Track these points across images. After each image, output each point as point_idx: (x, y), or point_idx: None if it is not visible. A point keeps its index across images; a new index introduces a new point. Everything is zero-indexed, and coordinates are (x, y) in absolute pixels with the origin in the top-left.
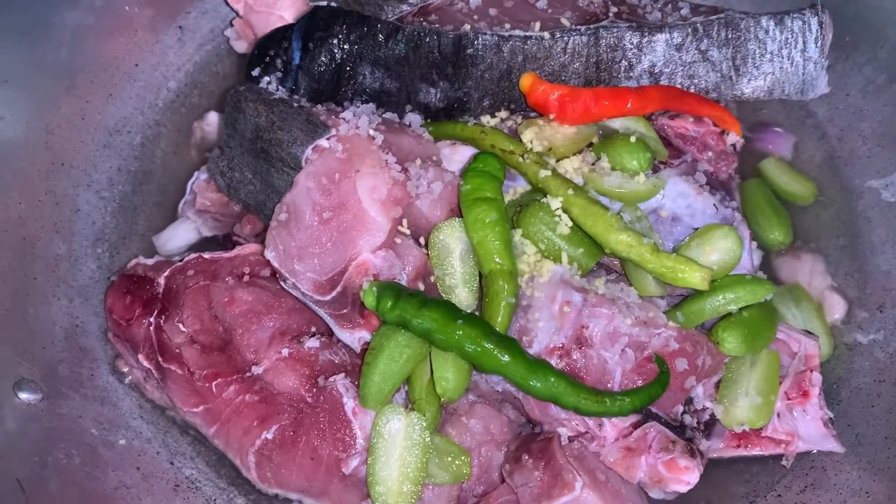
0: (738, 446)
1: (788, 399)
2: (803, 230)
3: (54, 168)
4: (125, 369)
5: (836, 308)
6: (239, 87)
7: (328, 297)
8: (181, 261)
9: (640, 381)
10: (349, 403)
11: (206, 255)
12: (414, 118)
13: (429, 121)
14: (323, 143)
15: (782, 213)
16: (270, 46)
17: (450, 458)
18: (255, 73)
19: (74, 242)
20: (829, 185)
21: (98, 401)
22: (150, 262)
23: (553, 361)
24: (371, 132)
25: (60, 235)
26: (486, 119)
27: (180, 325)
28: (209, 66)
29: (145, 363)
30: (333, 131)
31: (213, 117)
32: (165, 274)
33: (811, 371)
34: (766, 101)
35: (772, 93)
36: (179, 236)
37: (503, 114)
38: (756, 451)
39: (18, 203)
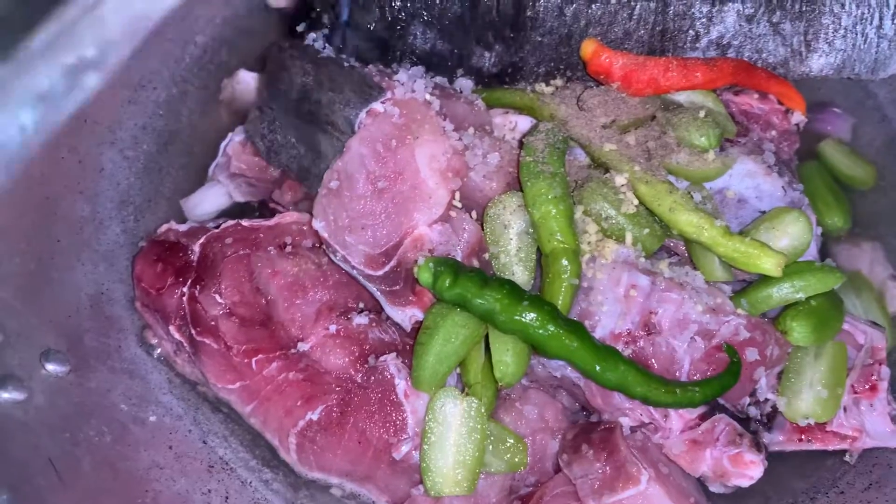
0: (801, 440)
1: (855, 393)
2: (862, 216)
3: (77, 123)
4: (154, 341)
5: None
6: (283, 44)
7: (380, 273)
8: (217, 227)
9: (709, 371)
10: (401, 385)
11: (245, 223)
12: (465, 83)
13: (479, 87)
14: (378, 106)
15: (841, 197)
16: (317, 1)
17: (506, 446)
18: (300, 28)
19: (98, 204)
20: (889, 170)
21: (127, 374)
22: (182, 227)
23: (619, 348)
24: (428, 97)
25: (84, 196)
26: (540, 87)
27: (217, 297)
28: (239, 22)
29: (177, 335)
30: (389, 94)
31: (243, 76)
32: (201, 241)
33: (879, 364)
34: (825, 80)
35: (841, 71)
36: (209, 201)
37: (559, 81)
38: (818, 446)
39: (40, 160)
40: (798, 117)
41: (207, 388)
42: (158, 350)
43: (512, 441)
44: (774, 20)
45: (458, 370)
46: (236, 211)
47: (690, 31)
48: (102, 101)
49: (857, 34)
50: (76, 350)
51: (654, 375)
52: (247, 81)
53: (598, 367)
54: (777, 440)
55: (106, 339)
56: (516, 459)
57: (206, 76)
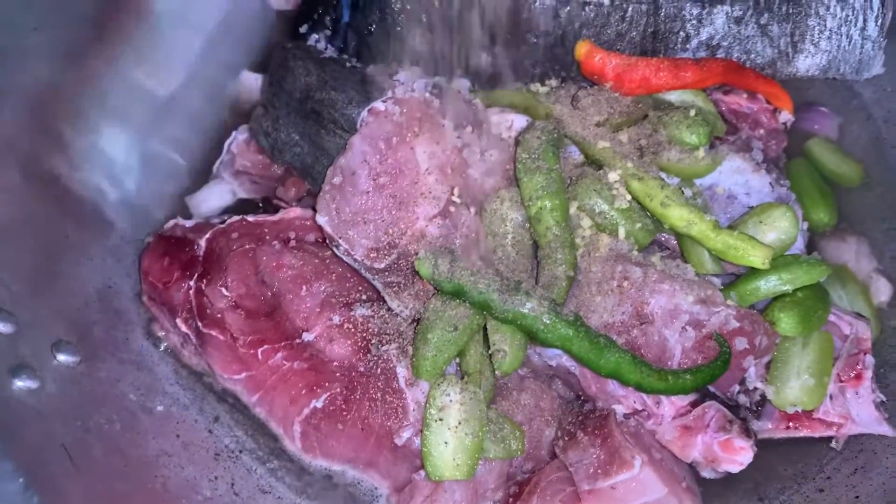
0: (789, 427)
1: (841, 381)
2: (848, 212)
3: None
4: (160, 334)
5: (883, 291)
6: (286, 45)
7: (382, 265)
8: (223, 223)
9: (700, 360)
10: (402, 373)
11: (250, 218)
12: (463, 83)
13: (477, 87)
14: (379, 105)
15: (828, 193)
16: (319, 2)
17: (504, 433)
18: (303, 30)
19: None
20: (874, 168)
21: (134, 365)
22: (188, 223)
23: (612, 337)
24: (427, 95)
25: (92, 193)
26: (535, 87)
27: (223, 290)
28: (242, 23)
29: (183, 328)
30: (390, 93)
31: (245, 76)
32: (207, 236)
33: (864, 353)
34: (812, 80)
35: (827, 71)
36: (214, 198)
37: (553, 82)
38: (805, 433)
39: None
40: (786, 116)
41: (213, 379)
42: (165, 343)
43: (510, 428)
44: (762, 22)
45: (458, 360)
46: (240, 208)
47: (681, 33)
48: None
49: (841, 36)
50: (86, 341)
51: (647, 363)
52: (250, 82)
53: (593, 355)
54: (766, 427)
55: (114, 331)
56: (514, 446)
57: (210, 77)
